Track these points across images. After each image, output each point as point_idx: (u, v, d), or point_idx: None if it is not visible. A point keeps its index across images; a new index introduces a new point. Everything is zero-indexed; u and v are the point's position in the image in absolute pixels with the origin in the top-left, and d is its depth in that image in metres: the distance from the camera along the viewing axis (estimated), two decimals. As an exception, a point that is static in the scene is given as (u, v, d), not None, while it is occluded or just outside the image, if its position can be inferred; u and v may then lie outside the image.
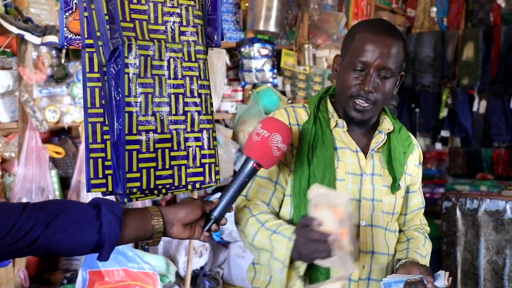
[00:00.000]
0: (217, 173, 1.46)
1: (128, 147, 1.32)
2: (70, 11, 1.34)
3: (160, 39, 1.38)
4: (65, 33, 1.34)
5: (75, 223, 1.09)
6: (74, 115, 2.88)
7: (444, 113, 5.74)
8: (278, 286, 1.45)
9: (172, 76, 1.38)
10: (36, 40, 2.63)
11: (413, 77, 5.78)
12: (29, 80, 2.65)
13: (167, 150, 1.39)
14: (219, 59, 3.64)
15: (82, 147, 2.93)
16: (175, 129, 1.40)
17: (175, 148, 1.40)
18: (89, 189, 1.32)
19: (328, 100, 1.59)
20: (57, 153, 2.95)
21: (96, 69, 1.33)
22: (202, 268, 3.42)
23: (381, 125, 1.58)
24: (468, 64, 5.45)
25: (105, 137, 1.33)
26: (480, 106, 5.51)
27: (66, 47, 1.38)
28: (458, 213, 2.99)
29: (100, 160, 1.33)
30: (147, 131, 1.35)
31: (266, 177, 1.53)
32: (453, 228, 3.00)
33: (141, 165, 1.34)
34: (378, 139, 1.55)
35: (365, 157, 1.53)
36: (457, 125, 5.68)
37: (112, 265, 2.88)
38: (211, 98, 1.48)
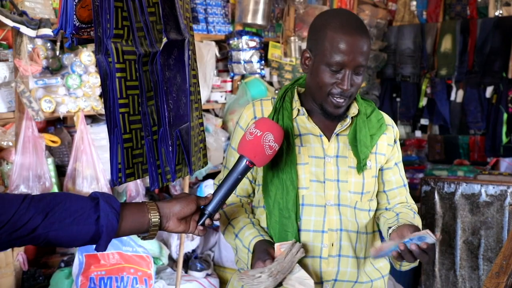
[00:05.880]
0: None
1: (192, 132, 1.36)
2: (79, -1, 1.31)
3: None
4: (74, 21, 1.31)
5: (72, 214, 1.11)
6: (69, 105, 2.87)
7: (423, 102, 5.82)
8: None
9: (191, 67, 1.42)
10: (31, 32, 2.63)
11: (394, 68, 5.87)
12: (25, 71, 2.66)
13: (197, 133, 1.46)
14: (208, 51, 3.66)
15: (77, 136, 2.91)
16: (197, 116, 1.48)
17: (197, 131, 1.47)
18: (125, 179, 1.32)
19: (296, 91, 1.63)
20: (53, 142, 2.94)
21: (121, 60, 1.29)
22: (193, 251, 3.45)
23: (348, 110, 1.62)
24: (446, 56, 5.52)
25: (132, 126, 1.33)
26: (457, 95, 5.59)
27: (71, 36, 1.33)
28: (436, 196, 3.02)
29: (129, 150, 1.34)
30: (196, 117, 1.42)
31: None
32: (432, 211, 3.02)
33: (195, 148, 1.40)
34: (343, 123, 1.59)
35: (328, 141, 1.58)
36: (436, 113, 5.76)
37: (108, 249, 2.92)
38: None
